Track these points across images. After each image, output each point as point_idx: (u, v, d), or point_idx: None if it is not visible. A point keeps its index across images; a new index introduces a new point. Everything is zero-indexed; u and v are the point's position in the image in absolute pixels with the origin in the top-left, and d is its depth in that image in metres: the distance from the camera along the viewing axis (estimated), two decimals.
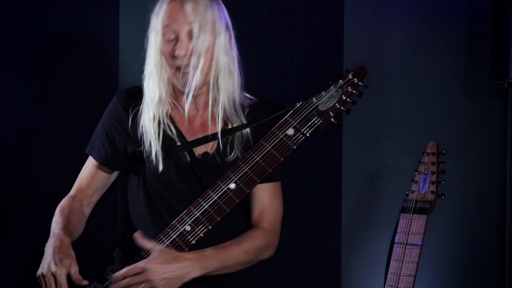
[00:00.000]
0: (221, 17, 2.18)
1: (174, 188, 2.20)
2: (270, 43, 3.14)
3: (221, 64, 2.18)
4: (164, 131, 2.20)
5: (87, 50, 3.00)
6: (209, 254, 2.11)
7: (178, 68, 2.15)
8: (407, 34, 3.16)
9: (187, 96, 2.16)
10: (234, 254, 2.16)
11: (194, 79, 2.14)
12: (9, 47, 2.86)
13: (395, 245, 2.60)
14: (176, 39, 2.14)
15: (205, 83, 2.19)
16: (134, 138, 2.22)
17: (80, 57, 2.99)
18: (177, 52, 2.12)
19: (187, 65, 2.13)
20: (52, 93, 2.95)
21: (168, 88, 2.21)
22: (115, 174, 2.31)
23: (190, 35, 2.13)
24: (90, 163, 2.29)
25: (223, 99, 2.21)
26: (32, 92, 2.91)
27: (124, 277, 2.03)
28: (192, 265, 2.07)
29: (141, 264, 2.04)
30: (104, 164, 2.27)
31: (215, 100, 2.22)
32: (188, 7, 2.12)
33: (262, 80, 3.08)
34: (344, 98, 2.17)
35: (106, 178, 2.30)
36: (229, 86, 2.20)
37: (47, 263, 2.05)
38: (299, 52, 3.15)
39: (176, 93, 2.24)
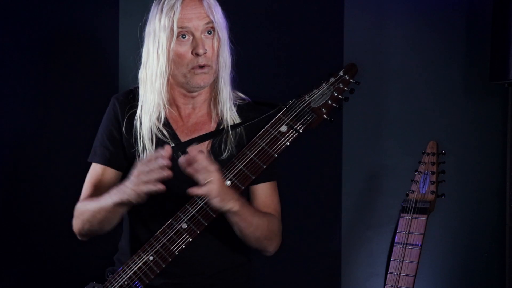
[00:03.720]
0: (224, 16, 2.24)
1: (169, 188, 2.20)
2: (270, 43, 3.14)
3: (224, 61, 2.23)
4: (157, 134, 2.22)
5: (87, 51, 3.01)
6: (247, 204, 2.17)
7: (192, 68, 2.18)
8: (407, 34, 3.16)
9: (194, 95, 2.23)
10: (260, 220, 2.20)
11: (212, 75, 2.20)
12: (8, 48, 2.86)
13: (395, 245, 2.60)
14: (192, 37, 2.17)
15: (212, 81, 2.23)
16: (129, 140, 2.24)
17: (80, 58, 2.99)
18: (200, 51, 2.16)
19: (206, 64, 2.18)
20: (52, 93, 2.95)
21: (166, 94, 2.22)
22: (120, 176, 2.31)
23: (208, 33, 2.19)
24: (95, 171, 2.30)
25: (223, 96, 2.24)
26: (31, 92, 2.91)
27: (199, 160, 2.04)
28: (237, 202, 2.10)
29: (212, 168, 2.05)
30: (110, 165, 2.27)
31: (216, 97, 2.25)
32: (205, 6, 2.18)
33: (262, 79, 3.08)
34: (336, 95, 2.18)
35: (115, 179, 2.29)
36: (228, 83, 2.25)
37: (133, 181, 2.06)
38: (299, 52, 3.15)
39: (174, 95, 2.25)
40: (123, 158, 2.27)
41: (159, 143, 2.22)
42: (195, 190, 2.03)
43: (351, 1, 3.14)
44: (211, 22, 2.18)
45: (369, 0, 3.16)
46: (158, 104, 2.22)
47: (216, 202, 2.05)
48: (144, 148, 2.21)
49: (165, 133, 2.23)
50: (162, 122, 2.24)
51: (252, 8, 3.09)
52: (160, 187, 2.02)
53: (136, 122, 2.23)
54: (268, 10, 3.14)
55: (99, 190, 2.29)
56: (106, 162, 2.28)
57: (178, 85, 2.23)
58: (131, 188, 2.06)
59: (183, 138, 2.24)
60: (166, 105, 2.23)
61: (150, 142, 2.21)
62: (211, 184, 2.03)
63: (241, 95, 2.33)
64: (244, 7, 3.01)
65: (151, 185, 2.02)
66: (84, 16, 2.99)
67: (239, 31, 2.30)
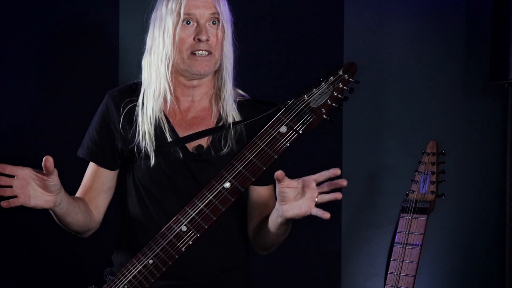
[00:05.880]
0: (230, 11, 2.25)
1: (166, 185, 2.20)
2: (270, 42, 3.14)
3: (228, 53, 2.23)
4: (156, 127, 2.21)
5: (87, 49, 3.00)
6: None
7: (193, 53, 2.18)
8: (407, 34, 3.16)
9: (195, 81, 2.22)
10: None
11: (213, 64, 2.20)
12: (8, 46, 2.86)
13: (395, 245, 2.60)
14: (196, 24, 2.18)
15: (213, 71, 2.23)
16: (125, 136, 2.23)
17: (80, 56, 2.99)
18: (202, 37, 2.16)
19: (208, 50, 2.18)
20: (51, 92, 2.95)
21: (171, 81, 2.22)
22: (113, 176, 2.31)
23: (212, 21, 2.19)
24: (90, 167, 2.30)
25: (226, 91, 2.24)
26: (31, 91, 2.91)
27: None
28: None
29: None
30: (99, 163, 2.26)
31: (217, 92, 2.25)
32: None
33: (262, 79, 3.08)
34: (336, 94, 2.16)
35: (108, 180, 2.28)
36: (231, 77, 2.25)
37: None
38: (299, 52, 3.15)
39: (174, 85, 2.25)
40: (112, 155, 2.26)
41: (157, 136, 2.21)
42: (317, 211, 2.11)
43: (351, 1, 3.14)
44: (216, 12, 2.19)
45: (369, 0, 3.16)
46: (164, 88, 2.21)
47: (299, 216, 2.11)
48: (144, 134, 2.20)
49: (165, 125, 2.22)
50: (162, 113, 2.23)
51: (252, 8, 3.09)
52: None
53: (138, 109, 2.22)
54: (267, 10, 3.14)
55: (91, 189, 2.28)
56: (93, 159, 2.27)
57: (179, 73, 2.22)
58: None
59: (181, 132, 2.23)
60: (171, 89, 2.22)
61: (151, 135, 2.20)
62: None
63: (241, 92, 2.32)
64: (244, 7, 3.00)
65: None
66: (84, 15, 2.99)
67: (239, 31, 2.30)
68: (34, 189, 2.03)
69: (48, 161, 2.00)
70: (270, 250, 2.30)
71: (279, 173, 2.02)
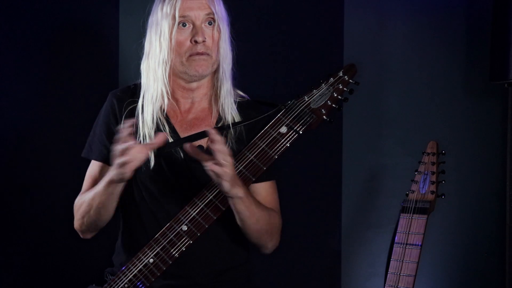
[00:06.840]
0: (225, 11, 2.26)
1: (167, 185, 2.21)
2: (270, 43, 3.14)
3: (225, 53, 2.23)
4: (157, 128, 2.21)
5: (87, 50, 3.01)
6: (251, 194, 2.16)
7: (191, 55, 2.19)
8: (407, 34, 3.16)
9: (194, 83, 2.22)
10: (262, 211, 2.18)
11: (211, 64, 2.21)
12: (9, 46, 2.86)
13: (395, 245, 2.60)
14: (192, 26, 2.19)
15: (211, 72, 2.24)
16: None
17: (80, 57, 2.99)
18: (199, 38, 2.17)
19: (204, 52, 2.19)
20: (51, 93, 2.95)
21: (168, 84, 2.22)
22: None
23: (207, 22, 2.20)
24: (94, 167, 2.29)
25: (224, 91, 2.24)
26: (31, 91, 2.91)
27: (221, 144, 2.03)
28: (243, 189, 2.09)
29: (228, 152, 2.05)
30: (108, 162, 2.26)
31: (216, 92, 2.26)
32: None
33: (262, 79, 3.08)
34: (336, 95, 2.17)
35: None
36: (229, 77, 2.26)
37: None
38: (299, 52, 3.15)
39: (173, 88, 2.25)
40: None
41: None
42: (213, 166, 2.00)
43: (351, 1, 3.14)
44: (212, 13, 2.20)
45: (369, 0, 3.16)
46: (161, 92, 2.22)
47: (226, 185, 2.03)
48: (145, 137, 2.21)
49: (166, 126, 2.23)
50: (163, 114, 2.24)
51: (252, 8, 3.09)
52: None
53: (138, 112, 2.23)
54: (267, 10, 3.14)
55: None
56: (103, 159, 2.27)
57: (178, 75, 2.23)
58: (114, 167, 2.06)
59: (182, 133, 2.24)
60: (169, 92, 2.23)
61: (152, 132, 2.21)
62: (227, 166, 2.01)
63: (241, 93, 2.33)
64: (243, 7, 3.01)
65: (122, 169, 2.02)
66: (84, 15, 3.00)
67: (239, 31, 2.30)
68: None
69: (163, 136, 2.05)
70: (260, 241, 2.24)
71: (212, 130, 2.02)
